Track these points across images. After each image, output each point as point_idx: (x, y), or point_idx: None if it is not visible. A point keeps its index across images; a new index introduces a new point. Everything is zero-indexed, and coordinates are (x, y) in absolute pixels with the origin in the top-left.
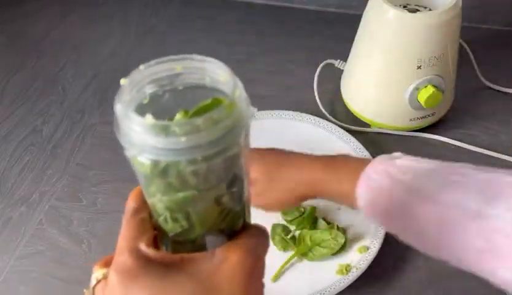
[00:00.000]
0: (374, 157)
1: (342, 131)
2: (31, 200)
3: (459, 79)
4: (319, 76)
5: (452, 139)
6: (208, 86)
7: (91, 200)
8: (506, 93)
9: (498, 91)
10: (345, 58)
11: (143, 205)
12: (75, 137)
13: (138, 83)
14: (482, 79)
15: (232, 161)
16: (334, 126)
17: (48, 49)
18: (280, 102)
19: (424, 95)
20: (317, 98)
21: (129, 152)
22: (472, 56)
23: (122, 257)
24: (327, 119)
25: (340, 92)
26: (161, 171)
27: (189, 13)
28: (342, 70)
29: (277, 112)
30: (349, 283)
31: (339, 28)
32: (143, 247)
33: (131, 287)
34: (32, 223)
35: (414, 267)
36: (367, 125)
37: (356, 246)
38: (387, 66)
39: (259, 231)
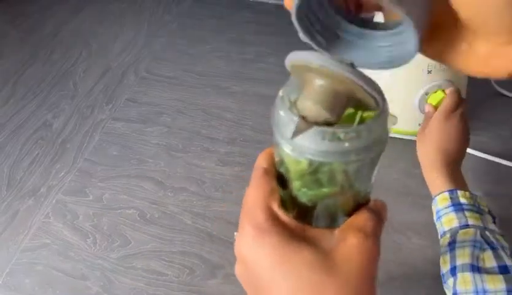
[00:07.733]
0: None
1: None
2: (39, 194)
3: (471, 85)
4: None
5: None
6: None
7: (97, 195)
8: None
9: (511, 98)
10: None
11: (273, 167)
12: (84, 132)
13: (290, 89)
14: (495, 86)
15: (374, 162)
16: None
17: (60, 45)
18: None
19: (434, 100)
20: None
21: (288, 152)
22: None
23: (255, 211)
24: None
25: None
26: (315, 169)
27: (200, 12)
28: None
29: None
30: None
31: None
32: (275, 207)
33: (257, 241)
34: (38, 216)
35: (414, 268)
36: None
37: None
38: (396, 70)
39: (378, 209)
